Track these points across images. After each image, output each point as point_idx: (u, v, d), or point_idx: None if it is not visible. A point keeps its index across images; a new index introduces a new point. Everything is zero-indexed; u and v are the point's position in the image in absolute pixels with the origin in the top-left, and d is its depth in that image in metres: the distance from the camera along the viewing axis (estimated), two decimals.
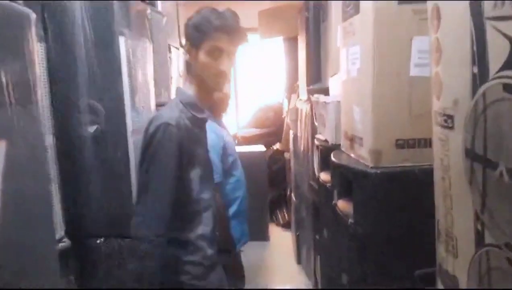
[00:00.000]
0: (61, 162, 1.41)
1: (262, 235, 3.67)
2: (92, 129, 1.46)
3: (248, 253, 3.37)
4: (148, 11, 1.77)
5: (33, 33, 0.79)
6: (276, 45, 4.21)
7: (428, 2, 0.79)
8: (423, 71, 1.19)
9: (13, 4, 0.78)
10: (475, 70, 0.64)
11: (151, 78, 1.78)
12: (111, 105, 1.47)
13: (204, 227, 1.33)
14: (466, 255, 0.72)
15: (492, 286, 0.67)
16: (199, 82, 1.34)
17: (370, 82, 1.21)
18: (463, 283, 0.75)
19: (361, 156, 1.32)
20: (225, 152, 1.93)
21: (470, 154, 0.68)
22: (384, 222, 1.22)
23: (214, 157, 1.80)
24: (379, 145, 1.22)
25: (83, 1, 1.42)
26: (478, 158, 0.66)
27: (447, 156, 0.76)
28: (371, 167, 1.22)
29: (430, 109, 1.19)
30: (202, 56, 1.30)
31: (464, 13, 0.64)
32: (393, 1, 1.18)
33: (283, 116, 4.32)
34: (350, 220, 1.32)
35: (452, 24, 0.69)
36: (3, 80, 0.69)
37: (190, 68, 1.37)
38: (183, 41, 1.55)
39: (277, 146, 4.31)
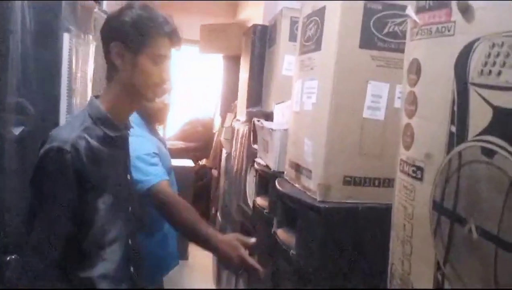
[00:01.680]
0: None
1: (181, 254, 3.53)
2: (17, 130, 1.28)
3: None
4: (96, 9, 1.64)
5: None
6: (214, 60, 4.19)
7: (406, 53, 0.83)
8: (375, 114, 1.26)
9: None
10: (453, 129, 0.68)
11: (90, 79, 1.64)
12: (45, 106, 1.31)
13: (106, 265, 1.15)
14: None
15: None
16: (125, 91, 1.18)
17: (326, 118, 1.24)
18: None
19: (307, 188, 1.34)
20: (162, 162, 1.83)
21: (438, 207, 0.72)
22: (327, 257, 1.23)
23: (157, 161, 1.73)
24: (328, 180, 1.25)
25: None
26: (446, 212, 0.70)
27: (411, 205, 0.79)
28: (319, 201, 1.24)
29: (378, 151, 1.26)
30: (142, 62, 1.17)
31: (448, 74, 0.68)
32: (355, 44, 1.23)
33: (213, 132, 4.28)
34: (292, 251, 1.32)
35: (433, 82, 0.73)
36: None
37: (115, 73, 1.20)
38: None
39: (203, 161, 4.24)
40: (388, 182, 1.26)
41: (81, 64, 1.50)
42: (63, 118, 1.36)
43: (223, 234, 3.01)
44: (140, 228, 1.47)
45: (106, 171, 1.16)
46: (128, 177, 1.32)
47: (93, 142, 1.12)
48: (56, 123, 1.33)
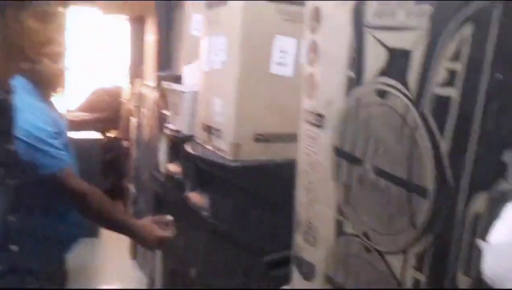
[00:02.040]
0: None
1: (92, 231, 3.34)
2: None
3: (76, 250, 3.03)
4: None
5: None
6: (119, 23, 3.89)
7: (307, 2, 0.82)
8: (283, 70, 1.26)
9: None
10: (351, 74, 0.69)
11: None
12: None
13: None
14: (325, 243, 0.79)
15: (349, 271, 0.74)
16: (5, 50, 1.06)
17: (235, 75, 1.21)
18: (320, 270, 0.81)
19: (219, 148, 1.32)
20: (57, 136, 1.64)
21: (338, 152, 0.74)
22: (240, 214, 1.24)
23: (54, 141, 1.53)
24: (239, 138, 1.24)
25: None
26: (345, 156, 0.72)
27: (314, 152, 0.80)
28: (231, 160, 1.23)
29: (288, 106, 1.28)
30: (27, 20, 1.06)
31: (346, 19, 0.69)
32: None
33: (121, 101, 4.02)
34: (205, 213, 1.30)
35: (332, 28, 0.73)
36: None
37: None
38: None
39: (113, 133, 3.99)
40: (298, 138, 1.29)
41: None
42: None
43: (137, 206, 2.91)
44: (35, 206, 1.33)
45: None
46: (11, 148, 1.15)
47: None
48: None
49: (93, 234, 3.39)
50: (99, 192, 1.45)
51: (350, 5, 0.68)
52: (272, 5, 1.20)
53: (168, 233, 1.37)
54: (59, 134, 1.59)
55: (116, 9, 3.34)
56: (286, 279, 1.16)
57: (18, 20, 1.04)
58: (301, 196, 0.88)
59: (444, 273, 0.57)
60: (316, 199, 0.81)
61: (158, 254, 2.36)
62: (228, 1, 1.26)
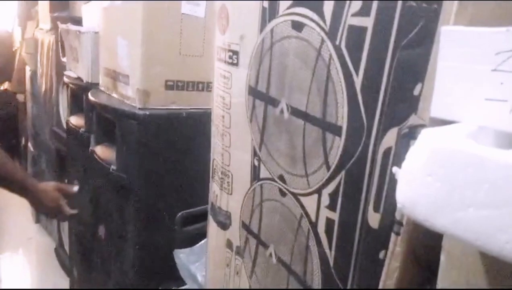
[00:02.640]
0: None
1: None
2: None
3: None
4: None
5: None
6: None
7: None
8: (194, 10, 1.16)
9: None
10: (265, 4, 0.63)
11: None
12: None
13: None
14: (241, 190, 0.75)
15: (263, 216, 0.72)
16: None
17: (140, 12, 1.08)
18: (236, 218, 0.78)
19: (125, 96, 1.20)
20: None
21: (252, 91, 0.69)
22: (150, 167, 1.16)
23: None
24: (148, 85, 1.13)
25: None
26: (260, 96, 0.68)
27: (228, 93, 0.75)
28: (139, 108, 1.12)
29: (199, 52, 1.19)
30: None
31: None
32: None
33: (13, 49, 3.53)
34: (112, 167, 1.20)
35: None
36: None
37: None
38: None
39: (5, 86, 3.52)
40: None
41: None
42: None
43: (37, 166, 2.64)
44: None
45: None
46: None
47: None
48: None
49: None
50: None
51: None
52: None
53: (70, 209, 1.26)
54: None
55: None
56: (203, 235, 1.13)
57: None
58: (216, 142, 0.83)
59: (356, 211, 0.57)
60: (232, 145, 0.76)
61: None
62: None
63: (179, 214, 1.21)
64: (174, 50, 1.14)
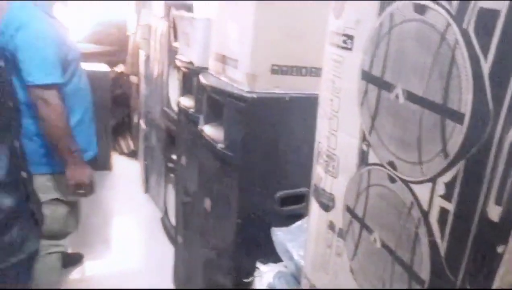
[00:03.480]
0: None
1: (104, 165, 3.41)
2: None
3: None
4: None
5: None
6: None
7: None
8: None
9: None
10: None
11: None
12: None
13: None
14: (347, 174, 0.77)
15: (369, 201, 0.73)
16: None
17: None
18: (340, 201, 0.80)
19: (234, 79, 1.27)
20: (62, 48, 1.57)
21: (366, 76, 0.69)
22: (255, 147, 1.22)
23: (49, 51, 1.50)
24: (255, 69, 1.19)
25: None
26: (374, 80, 0.68)
27: (339, 77, 0.76)
28: (247, 92, 1.19)
29: (308, 37, 1.21)
30: None
31: None
32: None
33: (127, 34, 3.90)
34: (220, 145, 1.29)
35: None
36: None
37: None
38: None
39: (120, 68, 3.92)
40: (317, 72, 1.23)
41: None
42: None
43: (148, 142, 2.91)
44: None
45: None
46: (7, 89, 1.09)
47: None
48: None
49: (106, 167, 3.46)
50: (64, 121, 1.54)
51: None
52: None
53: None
54: (62, 55, 1.56)
55: None
56: (301, 215, 1.16)
57: None
58: (322, 125, 0.84)
59: (475, 202, 0.55)
60: (339, 128, 0.78)
61: (171, 188, 2.40)
62: None
63: (279, 193, 1.26)
64: (282, 35, 1.18)
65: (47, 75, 1.49)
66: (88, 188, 1.65)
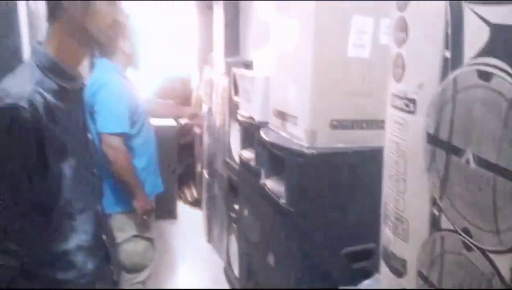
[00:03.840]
0: None
1: (170, 213, 3.54)
2: None
3: (156, 231, 3.22)
4: None
5: None
6: (187, 10, 3.98)
7: None
8: (360, 52, 1.19)
9: None
10: (447, 54, 0.63)
11: None
12: (7, 62, 1.19)
13: (80, 235, 1.03)
14: (418, 239, 0.74)
15: (444, 268, 0.69)
16: (74, 34, 0.99)
17: (310, 59, 1.17)
18: (412, 266, 0.76)
19: (294, 135, 1.30)
20: (131, 104, 1.83)
21: (432, 139, 0.68)
22: (317, 202, 1.22)
23: (120, 106, 1.78)
24: (315, 125, 1.21)
25: None
26: (441, 144, 0.66)
27: (404, 140, 0.75)
28: (307, 147, 1.20)
29: (365, 91, 1.22)
30: (97, 4, 0.99)
31: None
32: None
33: (191, 87, 4.15)
34: (282, 200, 1.30)
35: (423, 4, 0.67)
36: None
37: (60, 13, 0.97)
38: None
39: (185, 119, 4.14)
40: (377, 124, 1.22)
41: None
42: None
43: (211, 191, 3.00)
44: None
45: (67, 130, 1.01)
46: (89, 135, 1.17)
47: (50, 97, 0.95)
48: None
49: (172, 216, 3.59)
50: (129, 164, 1.79)
51: None
52: None
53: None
54: (132, 110, 1.83)
55: None
56: (368, 272, 1.12)
57: (86, 4, 0.99)
58: (388, 187, 0.83)
59: None
60: (407, 191, 0.76)
61: (234, 238, 2.43)
62: None
63: (344, 249, 1.23)
64: (340, 91, 1.20)
65: (117, 125, 1.76)
66: (150, 217, 1.92)
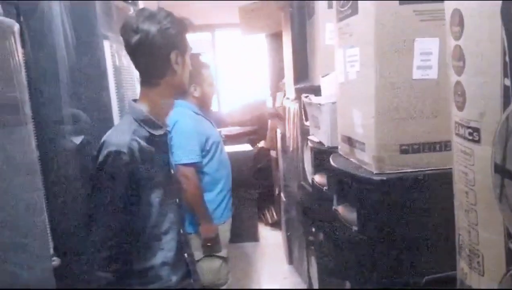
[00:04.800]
0: (46, 177, 1.32)
1: (252, 236, 3.63)
2: (77, 140, 1.37)
3: (239, 254, 3.33)
4: (131, 11, 1.68)
5: (19, 47, 0.71)
6: (258, 40, 4.14)
7: (446, 4, 0.75)
8: (426, 73, 1.16)
9: None
10: (507, 82, 0.60)
11: (137, 83, 1.69)
12: (98, 114, 1.38)
13: (165, 253, 1.25)
14: (495, 274, 0.69)
15: None
16: (174, 91, 1.28)
17: (372, 85, 1.17)
18: None
19: (363, 161, 1.28)
20: (201, 136, 2.06)
21: (500, 170, 0.65)
22: (390, 229, 1.18)
23: (191, 139, 2.00)
24: (383, 151, 1.19)
25: (62, 1, 1.32)
26: (509, 175, 0.63)
27: (471, 170, 0.72)
28: (375, 174, 1.19)
29: (433, 112, 1.17)
30: (187, 60, 1.28)
31: (494, 20, 0.60)
32: (394, 1, 1.13)
33: (265, 114, 4.27)
34: (354, 227, 1.28)
35: (478, 31, 0.65)
36: None
37: (166, 77, 1.25)
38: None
39: (261, 144, 4.26)
40: (450, 146, 1.17)
41: (126, 69, 1.55)
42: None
43: (289, 213, 3.03)
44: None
45: (155, 168, 1.24)
46: (172, 171, 1.38)
47: (143, 143, 1.20)
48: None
49: (254, 238, 3.68)
50: (200, 194, 2.02)
51: (497, 4, 0.59)
52: (408, 7, 1.12)
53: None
54: (203, 141, 2.05)
55: (255, 29, 3.57)
56: None
57: (185, 63, 1.28)
58: (460, 217, 0.79)
59: None
60: (480, 223, 0.72)
61: (314, 260, 2.42)
62: (358, 10, 1.23)
63: (424, 278, 1.18)
64: (406, 115, 1.17)
65: (188, 156, 1.99)
66: (214, 243, 2.07)
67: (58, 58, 1.32)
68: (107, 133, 1.23)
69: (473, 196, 0.73)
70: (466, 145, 0.72)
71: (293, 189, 2.78)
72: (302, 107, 2.20)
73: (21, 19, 1.33)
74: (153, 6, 2.46)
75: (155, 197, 1.22)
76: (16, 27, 0.74)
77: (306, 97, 1.96)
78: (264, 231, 3.92)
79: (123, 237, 1.18)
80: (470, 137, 0.70)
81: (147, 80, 1.27)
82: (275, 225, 3.92)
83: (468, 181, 0.73)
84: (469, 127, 0.70)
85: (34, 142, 0.93)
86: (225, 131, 4.45)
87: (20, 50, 0.74)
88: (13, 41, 0.70)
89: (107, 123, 1.41)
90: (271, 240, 3.70)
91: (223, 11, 3.78)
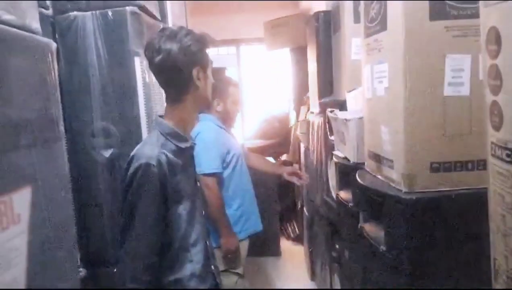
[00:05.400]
0: (76, 189, 1.35)
1: (274, 250, 3.60)
2: (107, 153, 1.40)
3: (261, 268, 3.30)
4: (161, 28, 1.71)
5: (55, 65, 0.73)
6: (282, 54, 4.16)
7: (482, 22, 0.73)
8: (458, 90, 1.14)
9: (33, 35, 0.72)
10: None
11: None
12: (128, 128, 1.41)
13: (193, 265, 1.28)
14: None
15: None
16: (198, 106, 1.33)
17: (401, 102, 1.15)
18: None
19: (390, 178, 1.26)
20: (223, 148, 2.10)
21: None
22: (420, 250, 1.15)
23: (212, 150, 2.04)
24: (413, 168, 1.16)
25: (96, 21, 1.37)
26: None
27: (509, 193, 0.69)
28: (405, 192, 1.16)
29: (466, 130, 1.14)
30: (210, 75, 1.32)
31: None
32: (424, 18, 1.12)
33: (289, 127, 4.26)
34: (382, 247, 1.25)
35: None
36: (26, 119, 0.63)
37: (189, 93, 1.30)
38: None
39: (284, 157, 4.24)
40: (484, 164, 1.13)
41: (156, 84, 1.59)
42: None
43: (312, 229, 2.99)
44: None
45: (183, 180, 1.27)
46: (198, 183, 1.41)
47: (170, 156, 1.23)
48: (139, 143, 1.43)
49: (276, 253, 3.64)
50: (221, 204, 2.03)
51: None
52: (440, 23, 1.10)
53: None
54: (224, 152, 2.09)
55: (280, 44, 3.59)
56: None
57: (207, 78, 1.32)
58: (496, 241, 0.76)
59: None
60: None
61: (337, 277, 2.37)
62: (387, 26, 1.22)
63: None
64: (437, 132, 1.14)
65: (209, 166, 2.02)
66: (234, 255, 2.06)
67: (90, 73, 1.37)
68: (137, 147, 1.27)
69: (510, 220, 0.70)
70: (504, 167, 0.69)
71: (316, 203, 2.74)
72: (327, 121, 2.18)
73: (56, 36, 1.39)
74: (183, 22, 2.52)
75: (183, 209, 1.26)
76: (54, 46, 0.76)
77: (332, 111, 1.94)
78: (286, 245, 3.88)
79: (154, 248, 1.20)
80: (508, 159, 0.68)
81: (171, 97, 1.31)
82: (297, 239, 3.88)
83: (505, 204, 0.71)
84: (506, 149, 0.68)
85: (66, 156, 0.96)
86: (248, 144, 4.48)
87: (56, 67, 0.76)
88: (50, 59, 0.72)
89: (136, 137, 1.44)
90: (293, 255, 3.65)
91: (249, 25, 3.83)
